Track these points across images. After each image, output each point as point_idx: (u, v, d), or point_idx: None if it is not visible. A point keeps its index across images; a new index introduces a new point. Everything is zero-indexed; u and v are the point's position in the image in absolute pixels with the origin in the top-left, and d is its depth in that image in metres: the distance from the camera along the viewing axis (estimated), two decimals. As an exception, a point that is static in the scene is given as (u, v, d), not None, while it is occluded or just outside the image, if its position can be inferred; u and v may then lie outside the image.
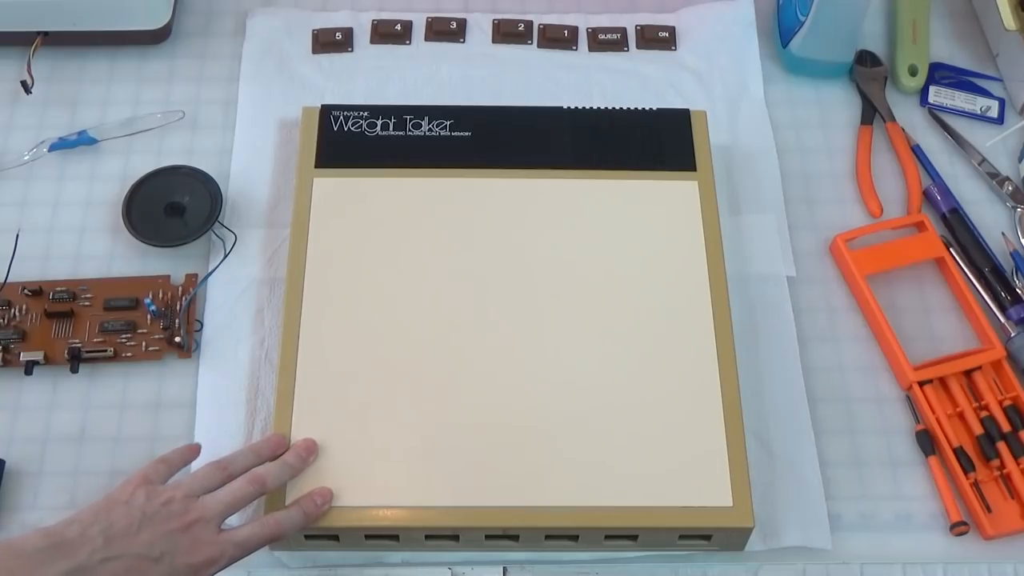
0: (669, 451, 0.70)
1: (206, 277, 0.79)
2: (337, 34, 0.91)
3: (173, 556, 0.60)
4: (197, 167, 0.83)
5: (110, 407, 0.75)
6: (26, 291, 0.78)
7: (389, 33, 0.92)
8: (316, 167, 0.80)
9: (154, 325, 0.77)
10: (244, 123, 0.87)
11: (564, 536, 0.69)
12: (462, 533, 0.69)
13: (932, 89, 0.91)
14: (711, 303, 0.75)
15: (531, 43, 0.92)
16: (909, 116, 0.90)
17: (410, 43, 0.92)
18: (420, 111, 0.83)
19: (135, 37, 0.89)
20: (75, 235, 0.82)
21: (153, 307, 0.77)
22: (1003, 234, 0.84)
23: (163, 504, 0.61)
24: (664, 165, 0.81)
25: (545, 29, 0.93)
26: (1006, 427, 0.75)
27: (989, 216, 0.85)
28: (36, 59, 0.87)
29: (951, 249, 0.82)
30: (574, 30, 0.93)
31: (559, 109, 0.84)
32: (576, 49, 0.92)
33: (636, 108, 0.84)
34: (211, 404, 0.75)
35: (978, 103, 0.90)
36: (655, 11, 0.94)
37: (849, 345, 0.79)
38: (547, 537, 0.69)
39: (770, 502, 0.72)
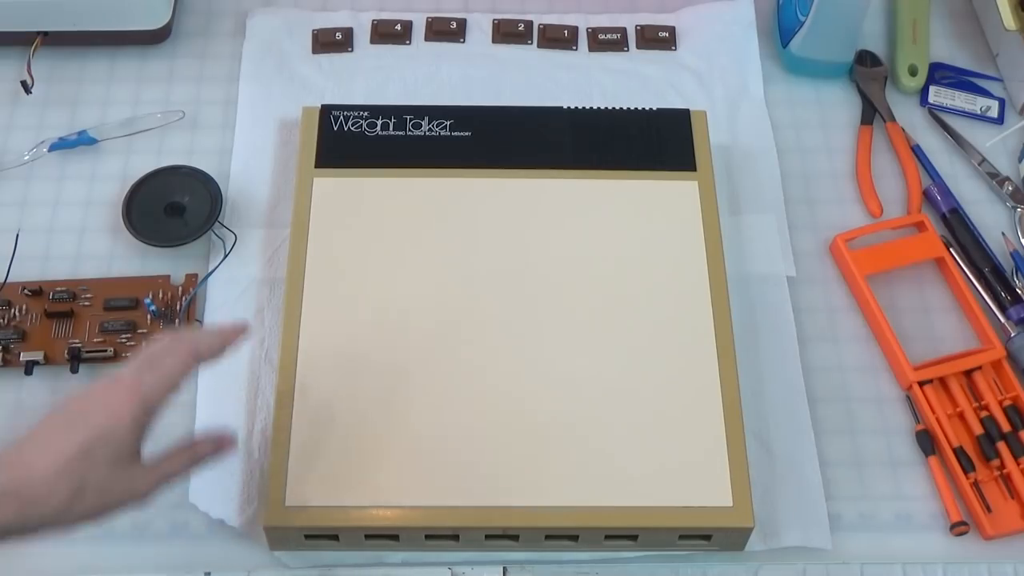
0: (669, 451, 0.70)
1: (206, 277, 0.79)
2: (337, 34, 0.91)
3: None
4: (197, 167, 0.83)
5: (110, 407, 0.75)
6: (26, 291, 0.78)
7: (389, 33, 0.92)
8: (316, 167, 0.80)
9: (154, 325, 0.77)
10: (244, 123, 0.87)
11: (564, 536, 0.69)
12: (462, 533, 0.69)
13: (932, 89, 0.91)
14: (711, 303, 0.75)
15: (531, 43, 0.92)
16: (909, 116, 0.90)
17: (410, 43, 0.92)
18: (420, 111, 0.83)
19: (135, 37, 0.89)
20: (75, 235, 0.82)
21: (153, 307, 0.77)
22: (1003, 234, 0.84)
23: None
24: (664, 165, 0.81)
25: (545, 29, 0.93)
26: (1006, 427, 0.75)
27: (989, 216, 0.85)
28: (36, 59, 0.87)
29: (951, 249, 0.82)
30: (574, 30, 0.93)
31: (559, 109, 0.84)
32: (576, 49, 0.92)
33: (636, 108, 0.84)
34: (211, 404, 0.75)
35: (978, 103, 0.90)
36: (655, 11, 0.94)
37: (849, 345, 0.79)
38: (547, 537, 0.69)
39: (770, 502, 0.72)
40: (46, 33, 0.87)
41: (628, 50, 0.92)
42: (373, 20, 0.93)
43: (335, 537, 0.69)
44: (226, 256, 0.80)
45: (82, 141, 0.85)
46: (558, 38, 0.92)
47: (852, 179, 0.87)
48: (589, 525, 0.68)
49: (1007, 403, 0.76)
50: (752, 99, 0.90)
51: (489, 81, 0.90)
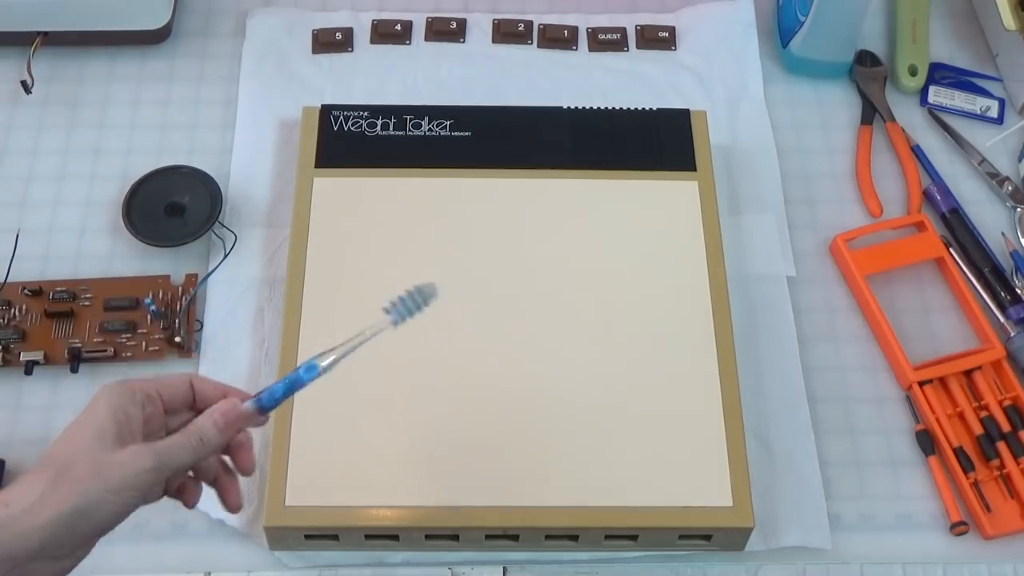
0: (669, 451, 0.70)
1: (206, 277, 0.79)
2: (337, 34, 0.91)
3: None
4: (197, 167, 0.83)
5: (110, 407, 0.75)
6: (26, 291, 0.78)
7: (389, 33, 0.92)
8: (316, 167, 0.80)
9: (154, 325, 0.77)
10: (244, 123, 0.87)
11: (564, 536, 0.69)
12: (462, 533, 0.69)
13: (932, 89, 0.91)
14: (711, 303, 0.75)
15: (531, 43, 0.92)
16: (909, 116, 0.90)
17: (410, 43, 0.92)
18: (420, 111, 0.83)
19: (135, 37, 0.89)
20: (75, 235, 0.82)
21: (153, 307, 0.76)
22: (1003, 234, 0.84)
23: None
24: (664, 165, 0.81)
25: (545, 29, 0.93)
26: (1006, 427, 0.75)
27: (989, 216, 0.85)
28: (36, 59, 0.87)
29: (951, 249, 0.82)
30: (574, 30, 0.93)
31: (559, 109, 0.84)
32: (576, 49, 0.92)
33: (636, 108, 0.84)
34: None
35: (978, 103, 0.90)
36: (655, 11, 0.94)
37: (849, 345, 0.79)
38: (547, 537, 0.69)
39: (770, 502, 0.72)
40: (46, 33, 0.87)
41: (628, 50, 0.92)
42: (373, 20, 0.93)
43: (335, 537, 0.69)
44: (226, 256, 0.80)
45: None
46: (558, 38, 0.92)
47: (852, 179, 0.87)
48: (589, 525, 0.68)
49: (1007, 403, 0.76)
50: (752, 99, 0.90)
51: (489, 81, 0.90)
